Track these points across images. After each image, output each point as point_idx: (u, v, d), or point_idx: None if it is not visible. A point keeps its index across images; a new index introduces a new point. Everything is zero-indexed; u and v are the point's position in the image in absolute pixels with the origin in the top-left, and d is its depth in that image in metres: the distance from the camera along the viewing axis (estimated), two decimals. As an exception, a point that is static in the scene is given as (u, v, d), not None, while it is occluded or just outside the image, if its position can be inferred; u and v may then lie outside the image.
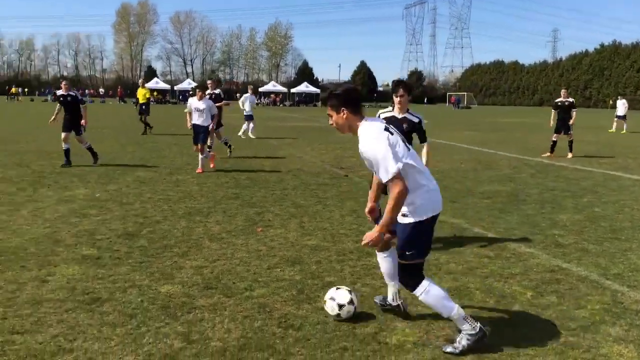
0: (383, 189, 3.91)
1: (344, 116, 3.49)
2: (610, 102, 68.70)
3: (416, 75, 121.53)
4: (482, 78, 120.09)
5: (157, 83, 80.00)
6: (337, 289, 4.08)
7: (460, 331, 3.56)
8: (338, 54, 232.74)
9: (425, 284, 3.55)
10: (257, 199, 8.45)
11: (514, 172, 12.08)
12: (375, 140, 3.34)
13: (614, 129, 27.77)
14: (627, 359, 3.51)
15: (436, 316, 3.86)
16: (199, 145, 11.05)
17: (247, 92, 20.98)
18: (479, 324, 3.55)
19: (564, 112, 15.23)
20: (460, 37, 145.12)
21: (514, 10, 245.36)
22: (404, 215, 3.48)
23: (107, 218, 6.97)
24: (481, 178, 11.06)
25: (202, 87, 11.78)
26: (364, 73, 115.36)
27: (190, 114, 11.20)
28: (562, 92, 15.88)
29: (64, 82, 11.99)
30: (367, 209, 4.00)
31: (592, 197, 9.11)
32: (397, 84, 5.71)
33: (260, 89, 78.06)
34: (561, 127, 15.20)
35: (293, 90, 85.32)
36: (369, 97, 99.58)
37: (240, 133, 19.77)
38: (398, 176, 3.29)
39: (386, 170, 3.28)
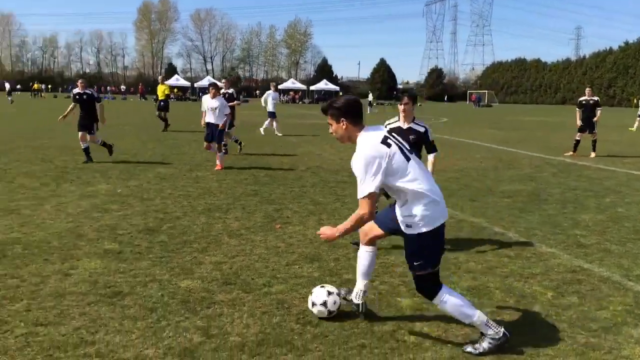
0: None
1: (344, 126, 3.50)
2: (635, 100, 67.43)
3: (436, 73, 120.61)
4: (503, 76, 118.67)
5: (177, 80, 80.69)
6: (311, 294, 4.02)
7: (482, 334, 3.54)
8: (357, 52, 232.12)
9: (442, 293, 3.49)
10: (275, 195, 8.48)
11: (535, 171, 11.94)
12: (362, 158, 3.33)
13: (634, 128, 27.23)
14: (650, 361, 3.46)
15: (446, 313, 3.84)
16: (216, 143, 11.16)
17: (269, 89, 21.02)
18: (502, 328, 3.51)
19: (588, 111, 15.02)
20: (482, 34, 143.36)
21: (536, 7, 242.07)
22: (407, 226, 3.43)
23: (128, 213, 7.06)
24: (502, 177, 10.95)
25: (215, 85, 11.85)
26: (383, 71, 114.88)
27: (205, 112, 11.32)
28: (587, 90, 15.65)
29: (80, 81, 12.08)
30: None
31: (615, 197, 8.97)
32: (402, 92, 5.69)
33: (280, 86, 78.25)
34: (586, 126, 14.98)
35: (312, 87, 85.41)
36: (388, 95, 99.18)
37: (261, 129, 19.85)
38: (367, 199, 3.31)
39: (361, 189, 3.33)
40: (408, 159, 3.41)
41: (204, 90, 73.52)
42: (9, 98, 44.47)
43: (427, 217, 3.38)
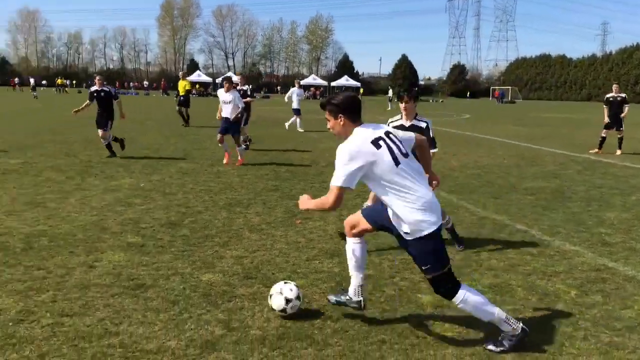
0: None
1: (341, 122, 3.49)
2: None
3: (459, 69, 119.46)
4: (527, 72, 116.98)
5: (199, 76, 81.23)
6: (285, 283, 4.00)
7: (502, 331, 3.50)
8: (379, 48, 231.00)
9: (462, 293, 3.45)
10: (296, 191, 8.50)
11: (559, 168, 11.77)
12: (346, 150, 3.33)
13: None
14: (676, 362, 3.39)
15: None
16: (233, 137, 11.23)
17: (293, 85, 21.04)
18: (520, 324, 3.48)
19: (615, 108, 14.76)
20: (505, 30, 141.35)
21: (561, 2, 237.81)
22: (405, 232, 3.41)
23: (151, 207, 7.14)
24: (525, 174, 10.82)
25: (228, 79, 11.88)
26: (405, 67, 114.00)
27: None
28: (614, 87, 15.35)
29: (97, 77, 12.11)
30: None
31: (641, 195, 8.80)
32: (403, 91, 5.62)
33: (300, 82, 78.35)
34: (612, 123, 14.72)
35: (333, 83, 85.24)
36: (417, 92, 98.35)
37: (286, 124, 19.91)
38: (335, 191, 3.32)
39: (333, 179, 3.34)
40: (398, 164, 3.36)
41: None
42: (34, 93, 45.28)
43: (418, 223, 3.34)
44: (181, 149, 13.47)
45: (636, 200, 8.37)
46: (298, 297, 3.89)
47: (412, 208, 3.33)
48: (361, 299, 3.82)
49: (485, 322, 3.60)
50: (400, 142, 3.51)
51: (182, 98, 21.16)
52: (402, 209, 3.35)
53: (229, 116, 11.19)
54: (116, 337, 3.52)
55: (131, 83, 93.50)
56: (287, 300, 3.84)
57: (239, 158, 11.21)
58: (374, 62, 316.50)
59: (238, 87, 13.87)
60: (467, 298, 3.45)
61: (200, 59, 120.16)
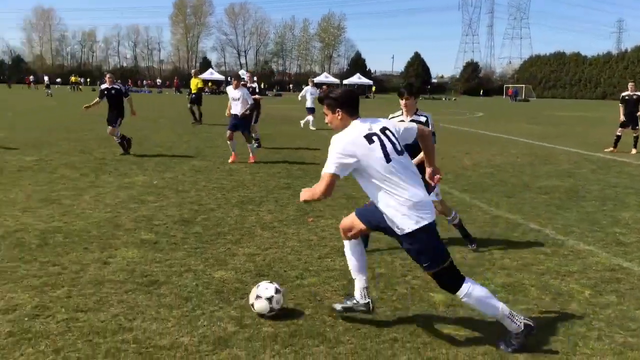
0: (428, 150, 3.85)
1: (339, 117, 3.52)
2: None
3: (472, 66, 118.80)
4: (541, 70, 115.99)
5: (211, 74, 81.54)
6: (257, 287, 3.93)
7: (507, 331, 3.49)
8: (391, 45, 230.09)
9: (465, 286, 3.44)
10: (308, 189, 8.50)
11: (573, 167, 11.67)
12: (339, 140, 3.38)
13: None
14: (692, 363, 3.35)
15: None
16: (243, 134, 11.26)
17: (307, 84, 21.03)
18: (522, 320, 3.45)
19: (631, 106, 14.59)
20: (519, 27, 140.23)
21: (576, 0, 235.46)
22: (397, 227, 3.40)
23: (164, 205, 7.19)
24: (538, 173, 10.74)
25: (237, 75, 11.92)
26: (417, 64, 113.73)
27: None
28: (630, 85, 15.17)
29: (108, 75, 12.12)
30: (427, 175, 3.90)
31: (657, 194, 8.70)
32: (403, 88, 5.58)
33: (314, 81, 78.38)
34: (628, 121, 14.55)
35: (345, 81, 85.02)
36: (422, 89, 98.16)
37: (301, 122, 19.94)
38: (326, 178, 3.34)
39: (325, 166, 3.37)
40: (389, 160, 3.36)
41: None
42: (49, 91, 45.71)
43: (407, 217, 3.33)
44: (194, 147, 13.54)
45: (652, 199, 8.28)
46: (277, 290, 3.86)
47: (400, 205, 3.33)
48: (369, 300, 3.77)
49: (497, 322, 3.59)
50: (397, 139, 3.49)
51: (194, 96, 21.23)
52: (390, 205, 3.35)
53: (237, 112, 11.22)
54: (130, 333, 3.55)
55: (144, 81, 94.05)
56: (269, 299, 3.79)
57: (251, 155, 11.25)
58: (386, 60, 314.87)
59: (247, 85, 13.89)
60: (471, 292, 3.43)
61: (213, 57, 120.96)
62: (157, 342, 3.45)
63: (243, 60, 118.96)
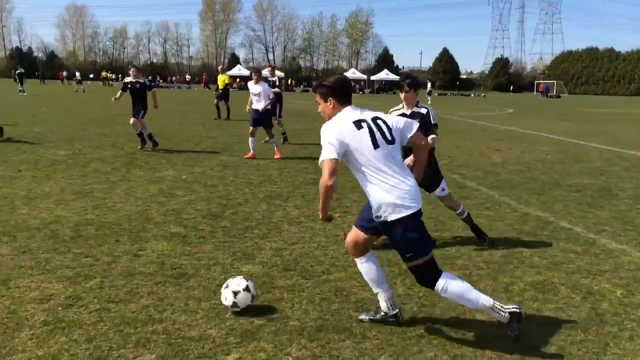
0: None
1: (331, 105, 3.49)
2: None
3: (502, 62, 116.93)
4: (573, 66, 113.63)
5: (239, 70, 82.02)
6: (233, 277, 3.93)
7: (500, 323, 3.48)
8: (420, 41, 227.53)
9: (442, 282, 3.40)
10: (335, 185, 8.51)
11: (605, 164, 11.42)
12: (329, 127, 3.37)
13: None
14: None
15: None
16: (265, 129, 11.30)
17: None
18: (507, 309, 3.43)
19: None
20: (551, 22, 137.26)
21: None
22: (377, 217, 3.38)
23: (193, 199, 7.29)
24: (570, 170, 10.55)
25: (257, 70, 11.83)
26: (446, 60, 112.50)
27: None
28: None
29: (132, 69, 12.22)
30: None
31: (694, 193, 8.46)
32: (402, 80, 5.52)
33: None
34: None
35: (373, 77, 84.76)
36: (450, 85, 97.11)
37: None
38: (327, 165, 3.28)
39: (322, 155, 3.34)
40: (376, 147, 3.33)
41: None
42: (80, 87, 46.63)
43: (392, 204, 3.30)
44: (222, 142, 13.67)
45: (688, 198, 8.05)
46: (247, 289, 3.81)
47: (384, 191, 3.31)
48: (397, 310, 3.72)
49: (530, 322, 3.55)
50: (390, 129, 3.45)
51: (221, 92, 21.37)
52: (376, 192, 3.33)
53: (258, 107, 11.21)
54: (160, 324, 3.62)
55: (173, 77, 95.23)
56: (235, 293, 3.77)
57: (276, 150, 11.30)
58: (414, 56, 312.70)
59: (269, 79, 13.84)
60: (447, 287, 3.39)
61: (241, 53, 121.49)
62: (186, 333, 3.51)
63: (271, 57, 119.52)
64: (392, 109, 5.58)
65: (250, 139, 11.22)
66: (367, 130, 3.36)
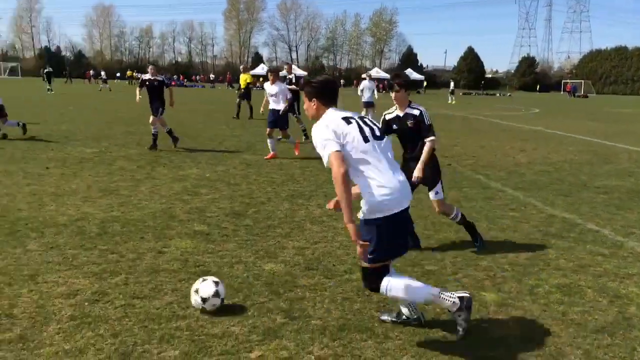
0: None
1: (314, 105, 3.44)
2: None
3: (528, 61, 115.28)
4: (602, 65, 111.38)
5: (263, 69, 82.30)
6: (204, 280, 3.88)
7: (450, 311, 3.45)
8: (444, 39, 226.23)
9: (385, 281, 3.34)
10: (358, 184, 8.50)
11: (635, 166, 11.18)
12: (321, 127, 3.29)
13: None
14: None
15: (533, 310, 3.69)
16: (281, 130, 11.30)
17: (364, 79, 20.87)
18: (455, 295, 3.39)
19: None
20: (579, 20, 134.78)
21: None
22: (364, 212, 3.31)
23: (216, 197, 7.35)
24: (597, 172, 10.35)
25: (273, 70, 11.77)
26: (471, 59, 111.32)
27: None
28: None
29: (150, 67, 12.17)
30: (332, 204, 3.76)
31: None
32: (392, 79, 5.35)
33: (363, 75, 78.02)
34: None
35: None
36: (475, 85, 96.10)
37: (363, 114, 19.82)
38: (333, 160, 3.16)
39: (324, 154, 3.22)
40: (366, 141, 3.28)
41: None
42: (106, 85, 47.32)
43: (372, 205, 3.24)
44: (244, 141, 13.75)
45: None
46: (217, 294, 3.78)
47: (370, 189, 3.25)
48: (419, 314, 3.72)
49: (551, 321, 3.50)
50: (377, 127, 3.44)
51: (243, 91, 21.43)
52: (365, 189, 3.28)
53: (277, 108, 11.17)
54: (183, 321, 3.66)
55: (197, 76, 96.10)
56: (204, 299, 3.76)
57: (295, 142, 11.33)
58: (439, 55, 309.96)
59: (287, 77, 13.77)
60: (390, 285, 3.34)
61: (265, 52, 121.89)
62: (209, 330, 3.54)
63: (294, 56, 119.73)
64: (385, 112, 5.44)
65: (268, 140, 11.22)
66: (356, 125, 3.34)
